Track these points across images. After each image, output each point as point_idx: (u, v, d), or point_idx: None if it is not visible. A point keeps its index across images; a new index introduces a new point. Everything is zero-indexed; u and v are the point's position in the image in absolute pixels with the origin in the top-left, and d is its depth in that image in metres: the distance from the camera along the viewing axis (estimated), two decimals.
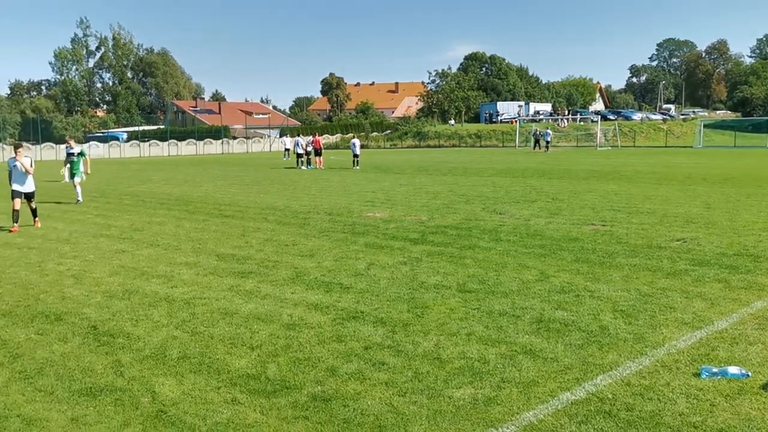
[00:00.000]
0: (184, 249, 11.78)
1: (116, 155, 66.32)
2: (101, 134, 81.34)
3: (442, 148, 72.31)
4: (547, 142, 56.98)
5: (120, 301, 8.26)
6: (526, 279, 8.92)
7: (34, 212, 14.96)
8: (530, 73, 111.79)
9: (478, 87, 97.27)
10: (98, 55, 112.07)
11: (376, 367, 5.84)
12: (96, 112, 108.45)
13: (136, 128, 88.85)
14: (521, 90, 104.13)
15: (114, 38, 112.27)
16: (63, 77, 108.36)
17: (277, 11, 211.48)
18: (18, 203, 14.44)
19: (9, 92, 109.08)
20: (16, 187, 14.50)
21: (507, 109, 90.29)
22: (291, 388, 5.44)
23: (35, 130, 72.38)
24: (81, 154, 21.16)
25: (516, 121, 74.60)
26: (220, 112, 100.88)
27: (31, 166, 14.70)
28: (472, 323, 7.01)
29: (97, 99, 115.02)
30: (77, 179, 20.36)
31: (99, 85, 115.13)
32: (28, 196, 14.73)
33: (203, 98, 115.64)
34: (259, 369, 5.86)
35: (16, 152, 14.64)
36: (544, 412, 4.88)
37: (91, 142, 68.44)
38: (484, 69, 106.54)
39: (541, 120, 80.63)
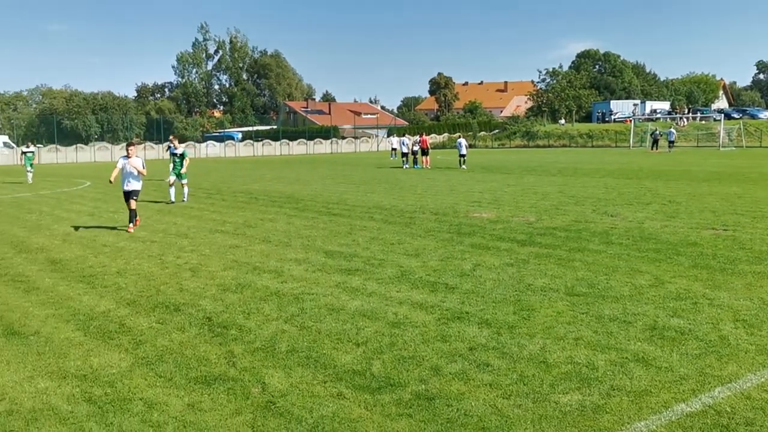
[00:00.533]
0: (294, 245, 12.12)
1: (231, 154, 69.33)
2: (218, 134, 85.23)
3: (551, 148, 70.78)
4: (671, 142, 54.57)
5: (233, 295, 8.61)
6: (639, 284, 8.58)
7: (132, 213, 14.57)
8: (647, 70, 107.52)
9: (591, 85, 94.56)
10: (216, 58, 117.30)
11: (480, 368, 5.79)
12: (213, 113, 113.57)
13: (250, 128, 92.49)
14: (637, 88, 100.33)
15: (231, 41, 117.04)
16: (184, 80, 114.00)
17: (386, 12, 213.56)
18: (133, 203, 14.53)
19: (136, 95, 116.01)
20: (125, 187, 14.50)
21: (621, 107, 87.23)
22: (395, 385, 5.48)
23: (158, 130, 76.72)
24: (183, 155, 20.32)
25: (630, 121, 71.90)
26: (329, 113, 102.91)
27: (143, 167, 14.60)
28: (580, 327, 6.83)
29: (215, 100, 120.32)
30: (184, 180, 20.28)
31: (216, 86, 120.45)
32: (133, 194, 14.50)
33: (314, 99, 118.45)
34: (365, 365, 5.95)
35: (128, 150, 14.53)
36: (657, 423, 4.69)
37: (208, 142, 72.03)
38: (597, 67, 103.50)
39: (657, 119, 77.31)
